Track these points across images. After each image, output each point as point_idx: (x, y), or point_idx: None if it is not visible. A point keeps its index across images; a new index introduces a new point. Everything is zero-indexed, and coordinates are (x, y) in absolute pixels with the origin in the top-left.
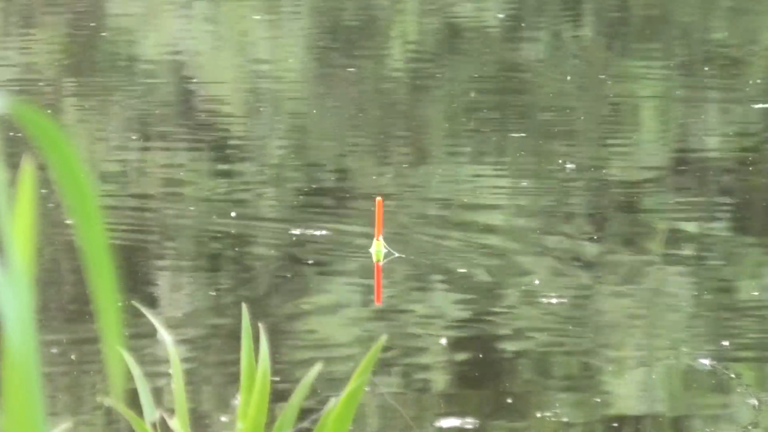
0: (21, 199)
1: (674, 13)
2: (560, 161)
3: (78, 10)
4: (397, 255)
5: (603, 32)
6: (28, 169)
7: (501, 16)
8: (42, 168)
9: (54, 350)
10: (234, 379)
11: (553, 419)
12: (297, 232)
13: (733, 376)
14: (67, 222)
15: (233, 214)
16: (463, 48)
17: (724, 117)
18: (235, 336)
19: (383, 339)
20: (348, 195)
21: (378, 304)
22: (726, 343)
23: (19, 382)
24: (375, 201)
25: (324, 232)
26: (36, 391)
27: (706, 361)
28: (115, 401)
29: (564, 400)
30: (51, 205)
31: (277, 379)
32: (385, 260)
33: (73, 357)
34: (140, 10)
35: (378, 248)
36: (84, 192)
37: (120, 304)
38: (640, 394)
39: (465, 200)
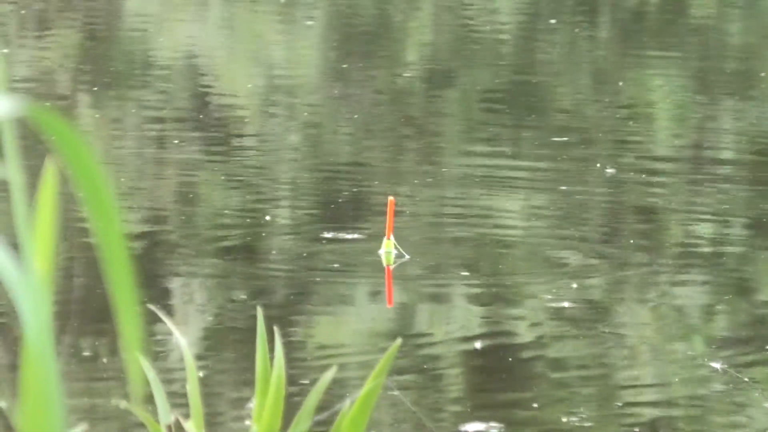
0: (42, 201)
1: (690, 14)
2: (598, 165)
3: (94, 13)
4: (408, 257)
5: (618, 33)
6: (50, 172)
7: (517, 19)
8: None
9: (70, 352)
10: (249, 382)
11: (577, 424)
12: (329, 235)
13: (746, 380)
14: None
15: (267, 217)
16: (477, 51)
17: (740, 118)
18: (250, 339)
19: (399, 341)
20: (362, 197)
21: (389, 306)
22: (741, 347)
23: (37, 383)
24: (387, 201)
25: (356, 236)
26: (54, 393)
27: (718, 365)
28: (132, 404)
29: (587, 406)
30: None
31: (306, 382)
32: (396, 262)
33: (89, 359)
34: (156, 13)
35: (388, 248)
36: (102, 194)
37: (138, 307)
38: (656, 399)
39: (480, 203)
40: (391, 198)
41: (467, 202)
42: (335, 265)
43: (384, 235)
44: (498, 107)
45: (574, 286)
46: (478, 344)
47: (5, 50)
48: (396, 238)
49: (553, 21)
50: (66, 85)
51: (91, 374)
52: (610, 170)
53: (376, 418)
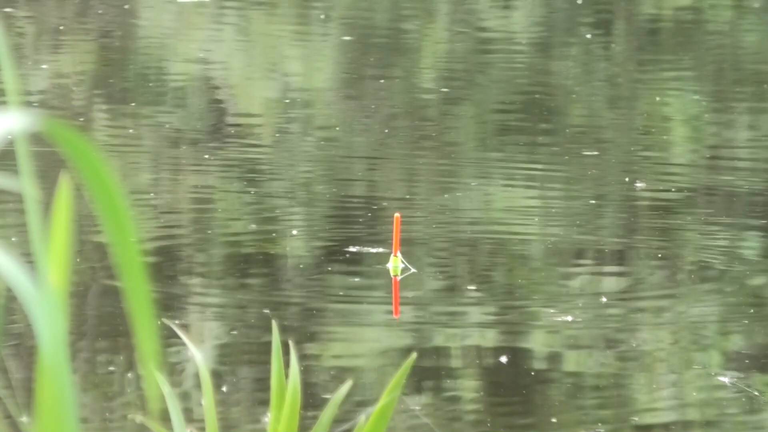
0: (57, 216)
1: (706, 27)
2: (626, 179)
3: (108, 26)
4: (414, 270)
5: (634, 47)
6: (65, 186)
7: (531, 34)
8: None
9: (86, 367)
10: (264, 395)
11: None
12: (362, 250)
13: (756, 393)
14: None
15: (294, 232)
16: (493, 64)
17: (757, 130)
18: (265, 352)
19: (413, 356)
20: (376, 211)
21: (396, 319)
22: (758, 364)
23: (52, 397)
24: (394, 217)
25: (380, 250)
26: (69, 407)
27: (726, 379)
28: (147, 418)
29: (604, 424)
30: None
31: (322, 395)
32: (403, 275)
33: (104, 373)
34: (171, 26)
35: (395, 264)
36: (117, 208)
37: (155, 322)
38: (671, 413)
39: (495, 217)
40: (396, 214)
41: (482, 215)
42: (347, 279)
43: (391, 251)
44: (514, 120)
45: (590, 301)
46: (498, 359)
47: (21, 64)
48: (406, 253)
49: (588, 36)
50: (81, 99)
51: (106, 389)
52: (639, 184)
53: None
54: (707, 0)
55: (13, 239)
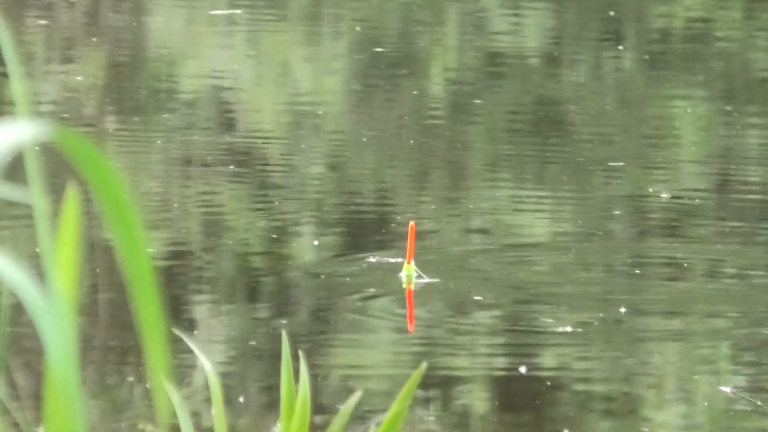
0: (65, 226)
1: (715, 38)
2: (651, 189)
3: (119, 39)
4: (427, 279)
5: (643, 58)
6: (72, 196)
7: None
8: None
9: (95, 376)
10: (274, 406)
11: None
12: (373, 260)
13: (759, 403)
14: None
15: (315, 242)
16: (502, 75)
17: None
18: (275, 362)
19: (424, 366)
20: (387, 221)
21: (410, 329)
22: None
23: (61, 408)
24: (408, 225)
25: (397, 260)
26: (78, 418)
27: (728, 389)
28: (157, 428)
29: (613, 429)
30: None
31: (332, 406)
32: (417, 285)
33: (114, 382)
34: (181, 39)
35: (409, 272)
36: (128, 218)
37: (165, 331)
38: (680, 424)
39: (504, 227)
40: (411, 222)
41: (491, 226)
42: (359, 289)
43: (405, 259)
44: (524, 131)
45: (601, 313)
46: (523, 369)
47: (32, 74)
48: (419, 261)
49: (620, 48)
50: (91, 110)
51: (116, 398)
52: (664, 195)
53: None
54: (718, 12)
55: (37, 249)
